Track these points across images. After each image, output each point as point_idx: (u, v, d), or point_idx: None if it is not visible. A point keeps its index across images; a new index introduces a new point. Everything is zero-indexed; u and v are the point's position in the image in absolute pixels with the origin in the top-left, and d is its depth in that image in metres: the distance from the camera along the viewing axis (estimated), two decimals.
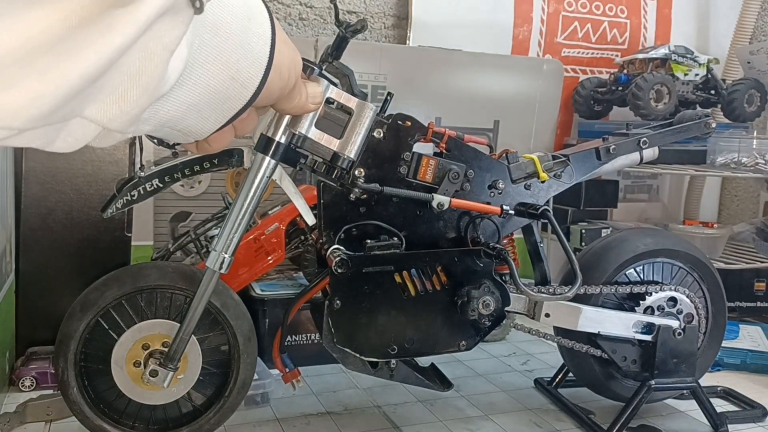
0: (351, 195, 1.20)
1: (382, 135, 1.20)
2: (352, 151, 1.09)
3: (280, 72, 0.46)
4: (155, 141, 1.45)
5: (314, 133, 1.06)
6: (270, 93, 0.46)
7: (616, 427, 1.44)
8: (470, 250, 1.27)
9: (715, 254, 2.19)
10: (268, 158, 1.08)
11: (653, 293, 1.45)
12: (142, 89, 0.32)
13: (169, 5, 0.30)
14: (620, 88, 2.34)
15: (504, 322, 1.32)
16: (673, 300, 1.46)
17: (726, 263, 2.15)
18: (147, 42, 0.30)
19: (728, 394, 1.72)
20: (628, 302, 1.47)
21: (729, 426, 1.51)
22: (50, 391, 1.55)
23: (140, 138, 1.53)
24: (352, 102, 1.06)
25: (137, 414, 1.33)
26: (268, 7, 0.43)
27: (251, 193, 1.08)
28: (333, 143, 1.08)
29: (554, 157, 1.41)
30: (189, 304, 1.19)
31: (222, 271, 1.10)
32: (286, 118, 1.03)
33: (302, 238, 1.74)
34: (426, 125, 1.24)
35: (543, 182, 1.36)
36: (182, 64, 0.35)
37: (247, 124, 0.49)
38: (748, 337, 2.00)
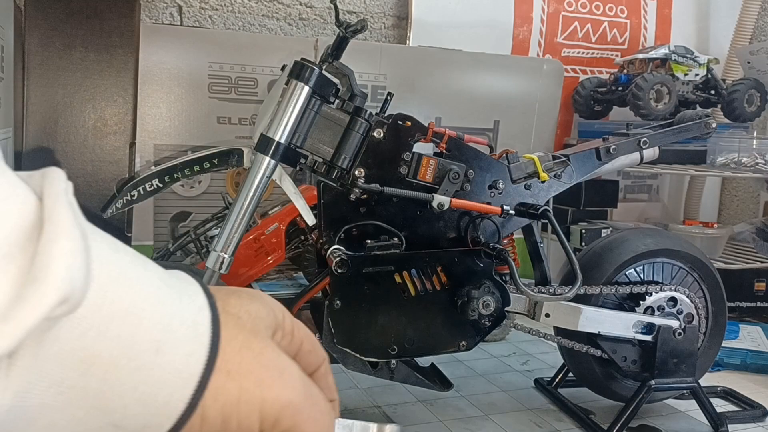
0: (351, 195, 1.20)
1: (382, 135, 1.20)
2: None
3: (228, 429, 0.29)
4: None
5: None
6: None
7: (616, 428, 1.43)
8: (470, 250, 1.27)
9: (715, 254, 2.19)
10: (268, 158, 1.08)
11: (653, 293, 1.45)
12: None
13: None
14: (620, 88, 2.34)
15: (504, 322, 1.32)
16: (674, 300, 1.46)
17: (726, 263, 2.15)
18: None
19: (728, 394, 1.72)
20: (629, 302, 1.47)
21: (729, 426, 1.51)
22: None
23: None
24: None
25: None
26: (216, 317, 0.30)
27: (251, 193, 1.08)
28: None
29: (554, 157, 1.41)
30: None
31: (222, 271, 1.10)
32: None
33: (302, 238, 1.74)
34: (426, 125, 1.24)
35: (543, 182, 1.36)
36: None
37: None
38: (748, 337, 2.00)
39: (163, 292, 0.28)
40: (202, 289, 0.31)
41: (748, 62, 2.47)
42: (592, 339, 1.44)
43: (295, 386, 0.31)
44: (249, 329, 0.31)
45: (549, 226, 1.30)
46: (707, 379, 1.64)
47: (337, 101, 1.23)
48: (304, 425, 0.31)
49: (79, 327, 0.25)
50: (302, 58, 1.19)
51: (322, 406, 0.33)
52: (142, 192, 1.48)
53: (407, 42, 2.38)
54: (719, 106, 2.38)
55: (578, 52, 2.65)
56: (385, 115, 1.24)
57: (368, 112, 1.20)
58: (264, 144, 1.12)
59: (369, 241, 1.21)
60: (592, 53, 2.67)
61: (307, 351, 0.36)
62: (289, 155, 1.14)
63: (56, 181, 0.26)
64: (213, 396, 0.29)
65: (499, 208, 1.27)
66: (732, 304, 2.20)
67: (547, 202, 1.36)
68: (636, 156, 1.47)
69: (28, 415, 0.25)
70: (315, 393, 0.33)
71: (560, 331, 1.46)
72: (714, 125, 1.55)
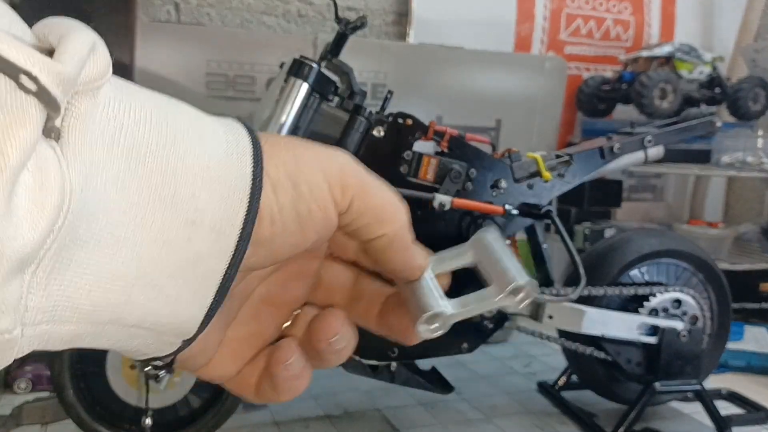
0: None
1: (382, 134, 1.18)
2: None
3: (300, 193, 0.27)
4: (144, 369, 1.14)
5: None
6: (288, 216, 0.27)
7: (620, 430, 1.42)
8: None
9: (720, 255, 2.17)
10: None
11: (658, 295, 1.43)
12: None
13: None
14: (624, 86, 2.32)
15: (506, 324, 1.30)
16: (678, 301, 1.44)
17: (731, 264, 2.13)
18: None
19: (733, 397, 1.70)
20: (633, 304, 1.45)
21: (733, 428, 1.49)
22: (46, 394, 1.53)
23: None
24: None
25: (134, 417, 1.31)
26: (248, 126, 0.28)
27: None
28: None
29: (557, 156, 1.39)
30: None
31: None
32: None
33: None
34: (427, 124, 1.22)
35: (546, 182, 1.33)
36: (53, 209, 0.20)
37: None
38: (753, 338, 1.98)
39: (193, 112, 0.26)
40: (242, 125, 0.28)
41: (753, 60, 2.44)
42: (596, 341, 1.42)
43: (345, 156, 0.30)
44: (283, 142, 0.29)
45: (552, 226, 1.28)
46: (711, 381, 1.62)
47: (336, 99, 1.21)
48: (372, 188, 0.30)
49: (116, 118, 0.22)
50: (301, 56, 1.17)
51: (379, 180, 0.31)
52: None
53: (408, 39, 2.36)
54: (724, 104, 2.36)
55: (581, 50, 2.62)
56: (386, 113, 1.22)
57: (368, 110, 1.18)
58: None
59: None
60: (596, 51, 2.65)
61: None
62: None
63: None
64: (273, 165, 0.27)
65: (502, 208, 1.25)
66: (737, 305, 2.18)
67: (550, 202, 1.34)
68: (640, 155, 1.45)
69: (97, 219, 0.22)
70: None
71: (563, 333, 1.44)
72: (719, 124, 1.53)
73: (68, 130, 0.21)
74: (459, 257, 0.32)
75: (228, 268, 0.26)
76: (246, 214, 0.25)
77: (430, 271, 0.32)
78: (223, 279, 0.26)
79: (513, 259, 0.31)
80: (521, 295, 0.29)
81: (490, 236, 0.32)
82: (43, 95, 0.19)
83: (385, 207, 0.30)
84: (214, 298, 0.26)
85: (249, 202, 0.25)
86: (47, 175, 0.20)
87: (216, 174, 0.25)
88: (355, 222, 0.29)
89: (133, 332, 0.25)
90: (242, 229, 0.25)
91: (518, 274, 0.29)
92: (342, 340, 0.32)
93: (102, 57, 0.22)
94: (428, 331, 0.30)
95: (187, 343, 0.27)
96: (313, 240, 0.28)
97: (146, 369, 0.32)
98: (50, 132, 0.21)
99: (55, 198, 0.20)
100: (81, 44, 0.21)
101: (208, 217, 0.25)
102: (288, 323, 0.33)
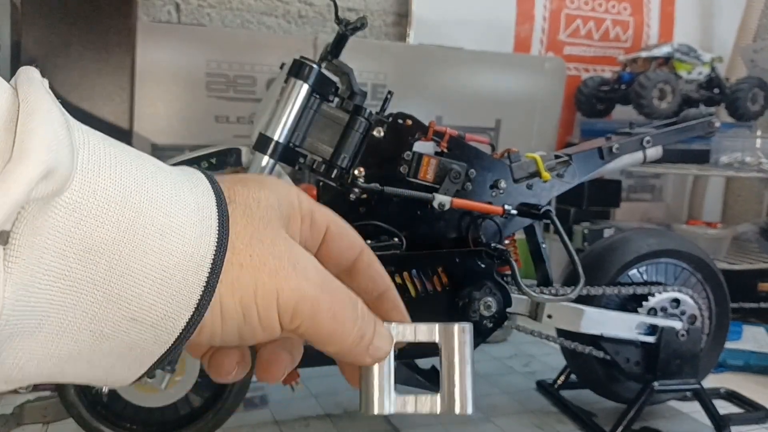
0: (351, 195, 1.18)
1: (382, 134, 1.18)
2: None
3: (249, 321, 0.28)
4: None
5: None
6: (230, 333, 0.28)
7: (619, 430, 1.42)
8: (472, 250, 1.26)
9: (718, 255, 2.17)
10: (266, 158, 1.06)
11: (656, 294, 1.43)
12: None
13: None
14: (623, 87, 2.33)
15: (506, 323, 1.31)
16: (677, 301, 1.44)
17: (729, 264, 2.13)
18: None
19: (731, 396, 1.71)
20: (631, 303, 1.45)
21: (732, 428, 1.50)
22: (47, 393, 1.53)
23: None
24: None
25: (135, 416, 1.32)
26: (222, 201, 0.28)
27: None
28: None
29: (557, 157, 1.39)
30: None
31: None
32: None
33: None
34: (427, 124, 1.23)
35: (545, 182, 1.34)
36: None
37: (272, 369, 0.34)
38: (752, 338, 1.98)
39: (162, 176, 0.26)
40: (204, 175, 0.29)
41: (752, 60, 2.45)
42: (595, 340, 1.42)
43: (310, 278, 0.29)
44: (258, 218, 0.28)
45: (551, 227, 1.28)
46: (710, 381, 1.63)
47: (336, 100, 1.22)
48: (322, 319, 0.29)
49: (74, 215, 0.23)
50: (301, 56, 1.18)
51: (342, 298, 0.30)
52: None
53: (407, 40, 2.37)
54: (723, 104, 2.36)
55: (581, 50, 2.63)
56: (385, 113, 1.22)
57: (368, 110, 1.19)
58: (262, 143, 1.11)
59: (369, 242, 1.20)
60: (595, 51, 2.65)
61: (337, 235, 0.33)
62: (287, 154, 1.12)
63: (30, 71, 0.24)
64: (229, 288, 0.27)
65: (501, 208, 1.26)
66: (735, 305, 2.19)
67: (550, 202, 1.35)
68: (639, 155, 1.45)
69: (37, 313, 0.23)
70: (335, 286, 0.30)
71: (562, 333, 1.45)
72: (717, 124, 1.53)
73: (18, 235, 0.22)
74: (425, 334, 0.33)
75: (164, 354, 0.27)
76: (187, 323, 0.26)
77: (391, 353, 0.32)
78: (158, 360, 0.27)
79: (470, 378, 0.32)
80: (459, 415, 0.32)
81: (465, 338, 0.33)
82: None
83: (332, 336, 0.30)
84: (148, 370, 0.28)
85: (194, 310, 0.26)
86: None
87: (170, 275, 0.25)
88: (302, 336, 0.30)
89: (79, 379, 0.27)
90: (182, 331, 0.26)
91: (468, 403, 0.31)
92: (238, 377, 0.33)
93: (59, 176, 0.22)
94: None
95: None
96: (250, 343, 0.30)
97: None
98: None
99: None
100: (34, 167, 0.21)
101: (152, 315, 0.25)
102: None
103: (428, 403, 0.32)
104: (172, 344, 0.27)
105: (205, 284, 0.26)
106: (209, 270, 0.26)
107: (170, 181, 0.27)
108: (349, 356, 0.31)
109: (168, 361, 0.28)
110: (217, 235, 0.26)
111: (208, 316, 0.26)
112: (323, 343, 0.30)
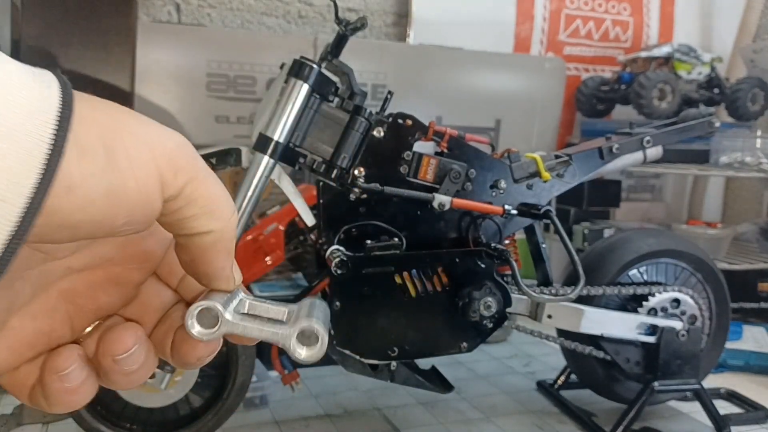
0: (351, 195, 1.18)
1: (382, 134, 1.18)
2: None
3: (115, 163, 0.23)
4: None
5: None
6: (92, 209, 0.23)
7: (619, 430, 1.42)
8: (472, 250, 1.26)
9: (718, 255, 2.17)
10: (266, 158, 1.06)
11: (656, 294, 1.43)
12: None
13: None
14: (623, 87, 2.33)
15: (506, 323, 1.31)
16: (677, 301, 1.44)
17: (730, 264, 2.13)
18: None
19: (732, 396, 1.71)
20: (631, 303, 1.45)
21: (732, 428, 1.50)
22: None
23: None
24: None
25: (135, 416, 1.32)
26: (63, 80, 0.24)
27: (249, 193, 1.06)
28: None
29: (557, 157, 1.39)
30: None
31: None
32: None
33: (301, 238, 1.72)
34: (427, 124, 1.23)
35: (545, 182, 1.34)
36: None
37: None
38: (752, 338, 1.98)
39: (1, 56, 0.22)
40: (55, 76, 0.24)
41: (752, 61, 2.45)
42: (595, 340, 1.42)
43: (181, 142, 0.26)
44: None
45: (551, 226, 1.28)
46: (710, 381, 1.63)
47: (336, 100, 1.21)
48: (204, 179, 0.25)
49: None
50: (301, 57, 1.17)
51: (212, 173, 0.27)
52: None
53: (407, 40, 2.37)
54: (723, 104, 2.36)
55: (580, 50, 2.63)
56: (386, 113, 1.22)
57: (368, 110, 1.19)
58: (263, 143, 1.11)
59: (369, 242, 1.20)
60: (595, 51, 2.65)
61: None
62: (288, 154, 1.12)
63: None
64: (84, 127, 0.22)
65: (501, 208, 1.26)
66: (735, 305, 2.19)
67: (550, 202, 1.35)
68: (639, 155, 1.45)
69: None
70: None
71: (562, 333, 1.45)
72: (717, 124, 1.53)
73: None
74: (272, 310, 0.29)
75: (10, 240, 0.22)
76: (38, 182, 0.21)
77: (242, 295, 0.29)
78: (3, 252, 0.22)
79: (324, 312, 0.29)
80: (312, 343, 0.27)
81: (316, 300, 0.31)
82: None
83: (219, 199, 0.26)
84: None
85: (44, 168, 0.21)
86: None
87: (8, 133, 0.21)
88: (182, 211, 0.25)
89: None
90: (31, 198, 0.21)
91: (316, 322, 0.27)
92: (133, 360, 0.27)
93: None
94: (200, 331, 0.27)
95: None
96: (124, 223, 0.24)
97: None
98: None
99: None
100: None
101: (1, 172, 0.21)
102: (89, 329, 0.29)
103: (277, 327, 0.28)
104: (19, 222, 0.21)
105: (53, 136, 0.22)
106: (56, 120, 0.22)
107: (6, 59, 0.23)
108: (228, 243, 0.27)
109: (15, 253, 0.22)
110: (59, 89, 0.23)
111: (63, 165, 0.22)
112: (210, 212, 0.26)
